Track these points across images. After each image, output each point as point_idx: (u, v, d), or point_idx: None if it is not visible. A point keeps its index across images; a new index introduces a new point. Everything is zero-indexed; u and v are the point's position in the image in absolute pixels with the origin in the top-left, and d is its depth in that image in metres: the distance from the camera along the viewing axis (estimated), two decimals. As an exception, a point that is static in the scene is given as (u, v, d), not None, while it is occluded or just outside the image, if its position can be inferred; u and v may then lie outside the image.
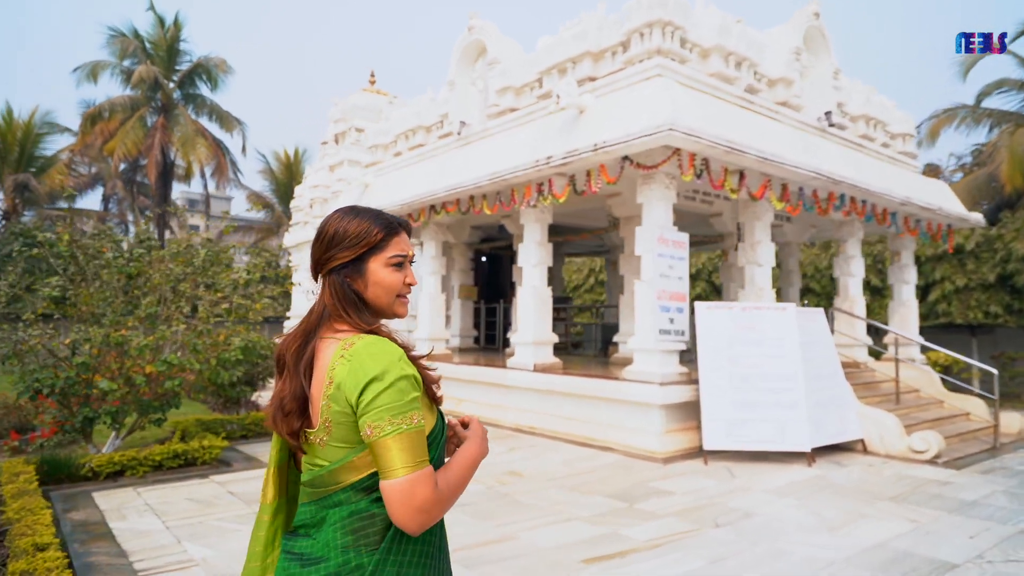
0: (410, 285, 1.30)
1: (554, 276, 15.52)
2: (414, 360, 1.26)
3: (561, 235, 12.59)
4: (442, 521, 1.29)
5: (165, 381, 5.53)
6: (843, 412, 6.96)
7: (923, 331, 14.37)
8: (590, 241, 13.65)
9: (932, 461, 6.49)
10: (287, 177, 25.60)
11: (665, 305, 6.78)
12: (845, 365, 9.31)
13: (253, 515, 4.51)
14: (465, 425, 1.38)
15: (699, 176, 6.65)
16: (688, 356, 7.72)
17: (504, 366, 8.68)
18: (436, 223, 10.64)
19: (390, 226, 1.29)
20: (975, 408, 8.43)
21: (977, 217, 10.50)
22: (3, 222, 19.24)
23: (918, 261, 13.65)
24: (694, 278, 18.26)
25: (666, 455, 6.47)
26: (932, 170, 20.92)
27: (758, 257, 8.03)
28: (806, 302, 11.05)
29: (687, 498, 5.11)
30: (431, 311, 10.46)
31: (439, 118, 10.45)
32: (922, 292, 13.72)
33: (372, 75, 19.57)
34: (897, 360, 8.52)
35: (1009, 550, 4.01)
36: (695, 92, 7.09)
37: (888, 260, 11.11)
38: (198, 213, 44.86)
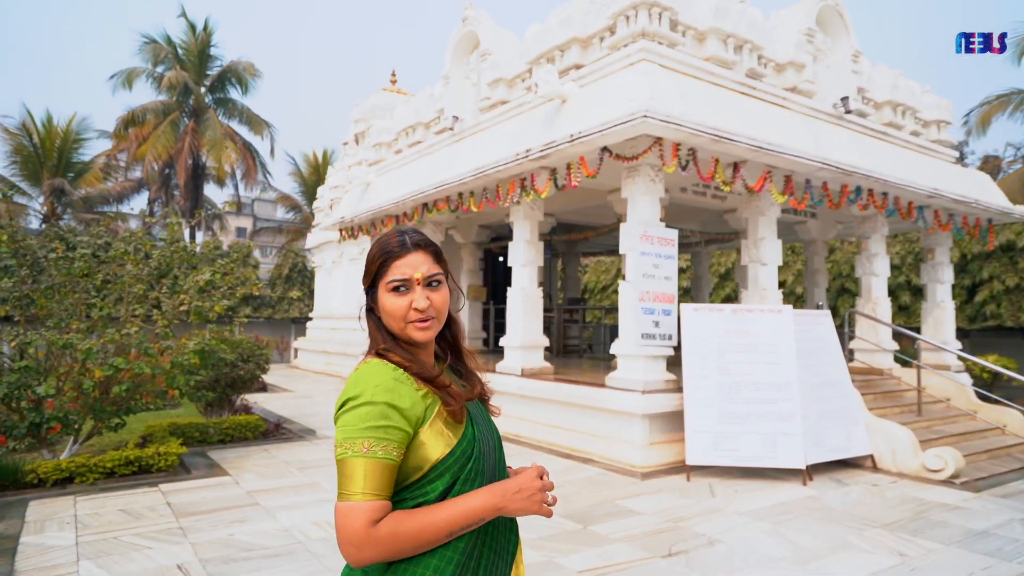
0: (420, 310, 1.22)
1: (568, 276, 15.09)
2: (432, 383, 1.21)
3: (573, 233, 12.16)
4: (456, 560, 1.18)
5: (115, 386, 5.37)
6: (849, 425, 6.32)
7: (970, 334, 13.33)
8: (609, 240, 13.17)
9: (948, 481, 5.81)
10: (315, 179, 25.84)
11: (649, 307, 6.29)
12: (866, 373, 8.62)
13: (179, 530, 4.32)
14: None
15: (684, 167, 6.13)
16: (679, 362, 7.19)
17: (492, 370, 8.30)
18: (434, 222, 10.35)
19: (386, 250, 1.25)
20: (1013, 421, 7.60)
21: (1022, 210, 9.56)
22: (42, 226, 19.94)
23: (964, 259, 12.66)
24: (724, 278, 17.49)
25: (647, 469, 5.98)
26: (991, 161, 19.55)
27: (762, 255, 7.43)
28: (820, 304, 10.30)
29: (651, 520, 4.64)
30: (428, 312, 10.16)
31: (436, 114, 10.17)
32: (968, 292, 12.71)
33: (393, 74, 19.51)
34: (919, 367, 7.78)
35: (1005, 597, 3.42)
36: (684, 77, 6.56)
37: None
38: (243, 216, 46.07)
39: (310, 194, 26.22)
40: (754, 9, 7.66)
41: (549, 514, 1.22)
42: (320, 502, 4.96)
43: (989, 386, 11.17)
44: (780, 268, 15.83)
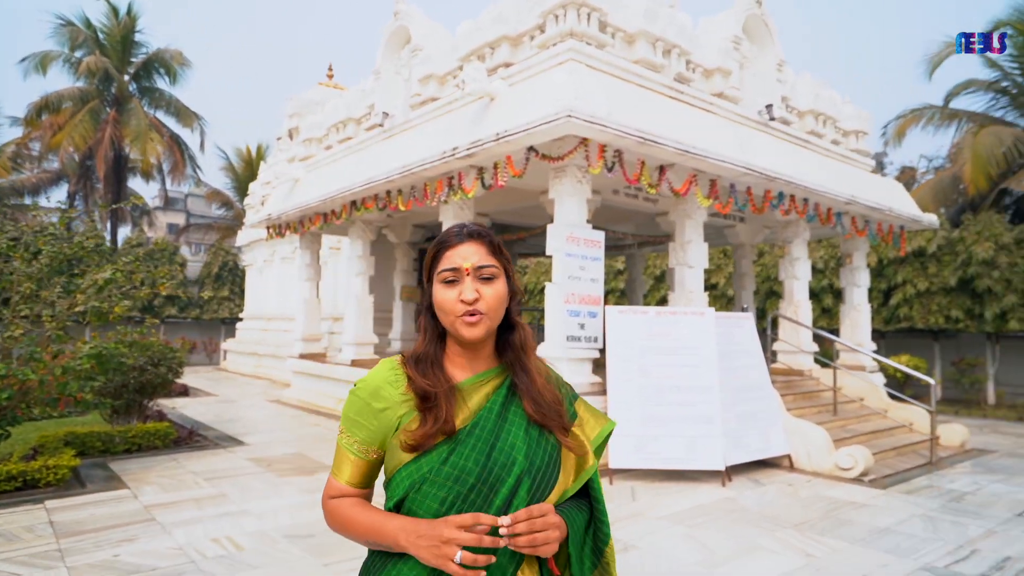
0: (467, 302, 1.14)
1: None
2: (422, 399, 1.15)
3: (508, 233, 12.07)
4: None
5: (-6, 393, 4.92)
6: (768, 426, 6.44)
7: (886, 336, 13.96)
8: (545, 241, 13.15)
9: (858, 479, 5.99)
10: (248, 174, 24.94)
11: (575, 309, 6.24)
12: (787, 374, 8.85)
13: (56, 552, 3.96)
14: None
15: (610, 169, 6.12)
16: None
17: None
18: (364, 220, 10.07)
19: (441, 240, 1.21)
20: (919, 419, 7.95)
21: (931, 218, 10.03)
22: (-58, 218, 18.48)
23: (881, 264, 13.22)
24: (659, 280, 17.77)
25: (570, 473, 5.92)
26: (907, 172, 20.56)
27: (688, 258, 7.52)
28: (746, 307, 10.56)
29: (568, 526, 4.56)
30: (357, 314, 9.88)
31: (367, 109, 9.88)
32: (884, 296, 13.29)
33: (330, 68, 19.04)
34: (835, 368, 8.03)
35: (901, 595, 3.49)
36: (612, 79, 6.55)
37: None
38: (175, 211, 44.07)
39: (243, 190, 25.27)
40: (683, 14, 7.74)
41: (455, 572, 1.03)
42: (224, 516, 4.68)
43: (902, 385, 11.70)
44: (713, 271, 16.21)
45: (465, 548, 1.04)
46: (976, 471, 6.61)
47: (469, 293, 1.14)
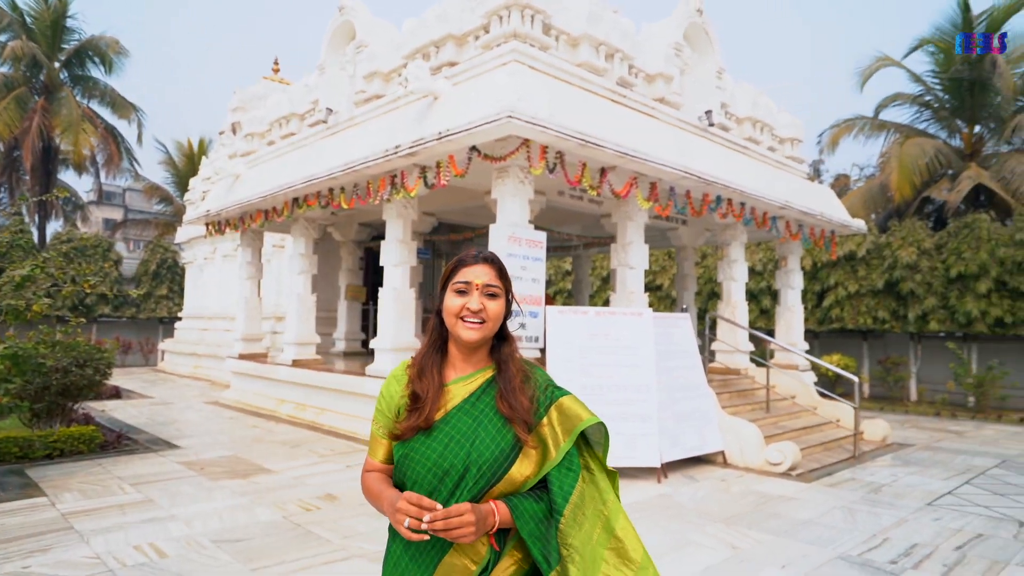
0: (472, 311, 1.40)
1: (452, 277, 14.96)
2: (412, 396, 1.42)
3: (454, 233, 12.04)
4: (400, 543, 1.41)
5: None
6: (704, 424, 6.62)
7: (819, 336, 14.54)
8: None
9: (786, 474, 6.22)
10: (189, 169, 24.11)
11: (515, 309, 6.26)
12: (724, 373, 9.12)
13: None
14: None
15: (552, 171, 6.18)
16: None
17: (363, 374, 8.02)
18: (307, 218, 9.87)
19: (460, 259, 1.47)
20: (845, 415, 8.31)
21: (859, 224, 10.50)
22: None
23: (815, 266, 13.76)
24: (605, 281, 18.04)
25: (510, 472, 5.96)
26: (841, 179, 21.47)
27: (630, 259, 7.66)
28: (686, 307, 10.84)
29: (505, 525, 4.59)
30: (299, 314, 9.68)
31: (311, 105, 9.70)
32: (818, 297, 13.84)
33: (276, 62, 18.57)
34: (768, 368, 8.32)
35: (817, 584, 3.65)
36: (555, 81, 6.62)
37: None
38: (112, 206, 42.21)
39: (183, 185, 24.41)
40: (626, 19, 7.88)
41: (405, 534, 1.27)
42: (150, 522, 4.51)
43: (834, 383, 12.22)
44: (658, 272, 16.56)
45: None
46: (895, 464, 6.96)
47: (475, 304, 1.41)
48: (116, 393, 11.67)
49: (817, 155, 17.81)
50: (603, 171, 6.74)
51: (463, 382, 1.44)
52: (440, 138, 6.04)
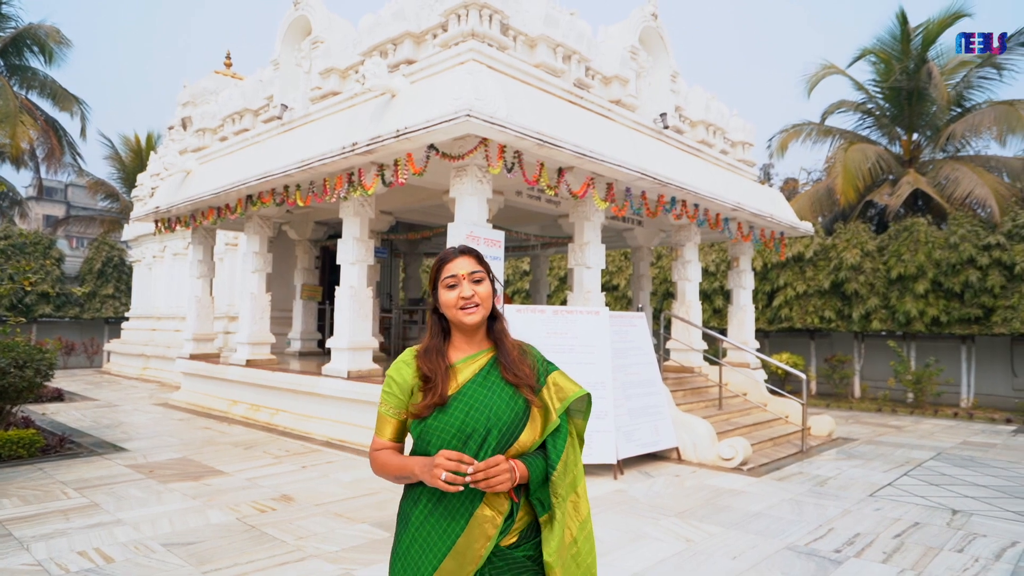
0: (466, 298, 1.58)
1: (410, 276, 14.88)
2: (424, 379, 1.59)
3: (413, 232, 11.97)
4: (413, 513, 1.58)
5: None
6: (658, 421, 6.76)
7: (769, 335, 14.98)
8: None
9: (738, 468, 6.41)
10: (136, 164, 23.29)
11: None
12: (679, 371, 9.32)
13: None
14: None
15: (510, 170, 6.21)
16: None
17: (319, 373, 7.91)
18: (261, 216, 9.68)
19: (441, 257, 1.66)
20: (794, 411, 8.60)
21: (807, 226, 10.87)
22: None
23: (766, 267, 14.17)
24: (564, 280, 18.19)
25: (468, 471, 5.97)
26: (790, 182, 22.17)
27: (587, 259, 7.75)
28: (641, 307, 11.04)
29: (462, 523, 4.60)
30: (252, 313, 9.48)
31: (265, 101, 9.51)
32: (769, 297, 14.26)
33: (228, 56, 18.14)
34: (721, 366, 8.55)
35: (764, 570, 3.78)
36: (513, 81, 6.66)
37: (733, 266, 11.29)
38: (53, 202, 40.42)
39: (130, 181, 23.57)
40: (583, 22, 7.98)
41: (442, 487, 1.43)
42: (95, 527, 4.36)
43: (784, 381, 12.62)
44: (615, 272, 16.79)
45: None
46: (839, 458, 7.25)
47: (467, 291, 1.59)
48: (58, 396, 11.20)
49: (767, 159, 18.36)
50: (561, 171, 6.81)
51: (469, 361, 1.62)
52: (398, 136, 6.01)
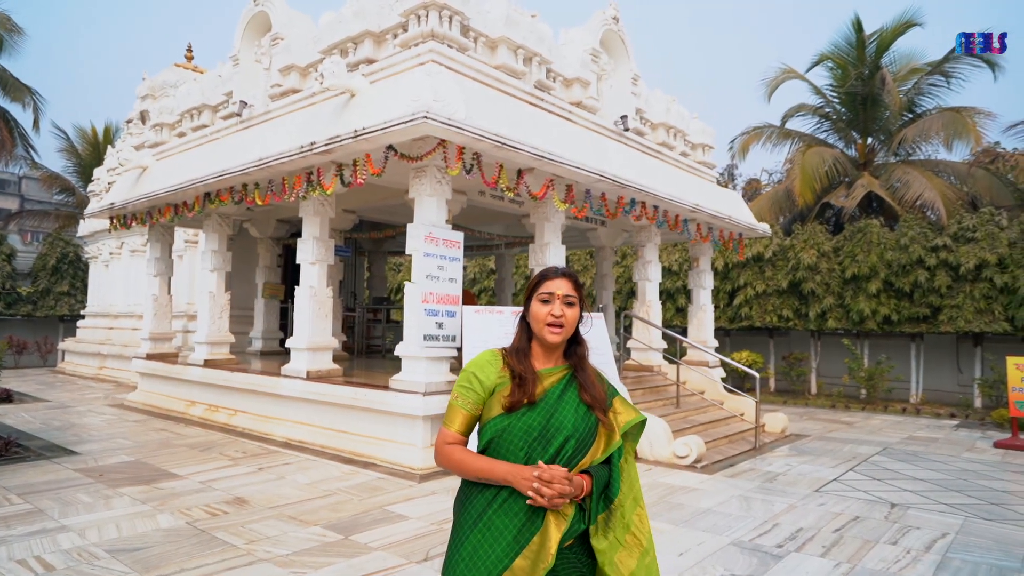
0: (556, 316, 1.70)
1: (374, 275, 14.80)
2: (517, 376, 1.70)
3: (376, 231, 11.91)
4: (472, 507, 1.68)
5: None
6: (615, 418, 6.86)
7: (730, 333, 15.29)
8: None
9: (692, 466, 6.55)
10: (93, 157, 22.64)
11: (433, 308, 6.31)
12: (639, 369, 9.46)
13: None
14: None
15: (469, 171, 6.24)
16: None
17: (279, 374, 7.83)
18: (220, 214, 9.52)
19: (544, 273, 1.79)
20: (749, 409, 8.80)
21: (764, 227, 11.13)
22: None
23: (727, 267, 14.45)
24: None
25: (426, 471, 6.00)
26: (752, 183, 22.60)
27: (547, 259, 7.82)
28: (602, 306, 11.18)
29: (417, 524, 4.63)
30: (211, 312, 9.34)
31: (224, 97, 9.35)
32: (730, 297, 14.55)
33: (189, 49, 17.78)
34: (679, 364, 8.71)
35: (708, 567, 3.89)
36: (472, 82, 6.69)
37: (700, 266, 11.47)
38: (6, 195, 39.08)
39: (87, 175, 22.92)
40: (544, 24, 8.04)
41: (535, 501, 1.56)
42: (37, 534, 4.27)
43: (742, 379, 12.90)
44: (580, 272, 16.93)
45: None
46: (791, 454, 7.46)
47: (558, 311, 1.71)
48: (7, 397, 10.87)
49: (729, 160, 18.69)
50: (520, 173, 6.86)
51: (549, 372, 1.74)
52: (356, 136, 5.99)
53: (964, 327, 11.41)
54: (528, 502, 1.57)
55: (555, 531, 1.60)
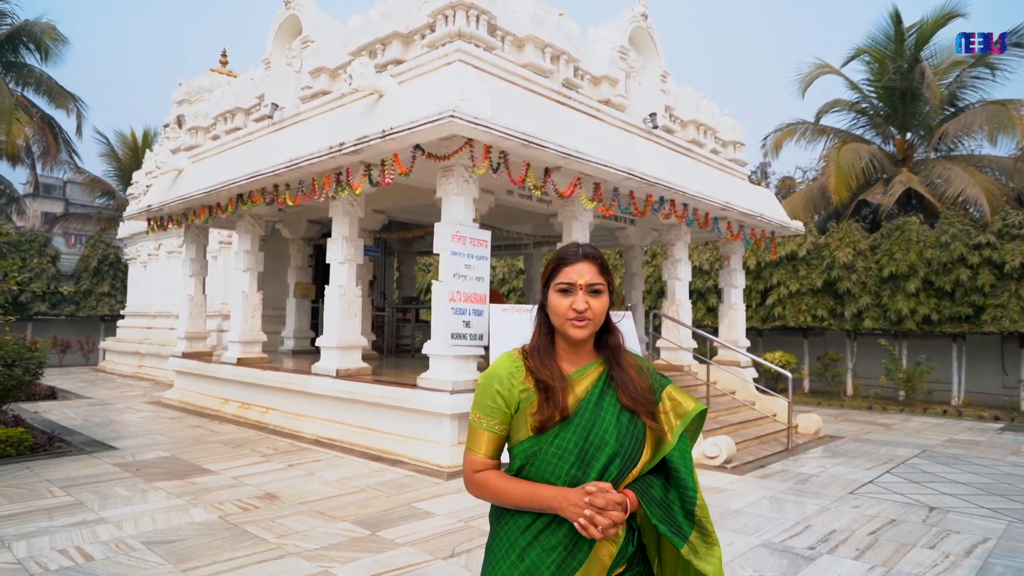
0: (579, 311, 1.40)
1: (404, 275, 14.92)
2: (542, 387, 1.41)
3: (405, 231, 12.01)
4: (508, 530, 1.44)
5: None
6: (644, 418, 6.79)
7: (763, 333, 15.02)
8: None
9: (722, 467, 6.45)
10: (132, 161, 23.30)
11: (460, 307, 6.33)
12: (667, 369, 9.34)
13: None
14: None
15: (496, 170, 6.25)
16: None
17: (309, 372, 7.95)
18: (252, 215, 9.71)
19: (561, 256, 1.47)
20: (781, 410, 8.63)
21: (797, 225, 10.91)
22: None
23: (759, 266, 14.20)
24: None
25: (453, 469, 6.02)
26: (786, 181, 22.17)
27: (575, 258, 7.77)
28: (630, 305, 11.08)
29: (443, 521, 4.65)
30: (244, 311, 9.52)
31: (256, 100, 9.54)
32: (762, 296, 14.30)
33: (224, 54, 18.19)
34: (708, 364, 8.58)
35: (737, 568, 3.82)
36: (499, 81, 6.69)
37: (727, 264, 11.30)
38: (51, 199, 40.46)
39: (126, 178, 23.59)
40: (572, 23, 8.00)
41: (586, 532, 1.31)
42: (78, 525, 4.40)
43: (775, 379, 12.65)
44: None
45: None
46: (824, 455, 7.29)
47: (581, 304, 1.41)
48: (51, 394, 11.25)
49: (762, 158, 18.37)
50: (547, 171, 6.84)
51: (580, 375, 1.46)
52: (384, 136, 6.04)
53: (1009, 327, 11.01)
54: (590, 534, 1.31)
55: (601, 563, 1.38)
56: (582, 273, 1.44)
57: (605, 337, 1.51)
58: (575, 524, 1.31)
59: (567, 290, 1.43)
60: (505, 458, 1.49)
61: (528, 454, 1.41)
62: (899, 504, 5.32)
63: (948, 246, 11.75)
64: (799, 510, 5.07)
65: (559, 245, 7.89)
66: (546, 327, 1.50)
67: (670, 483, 1.44)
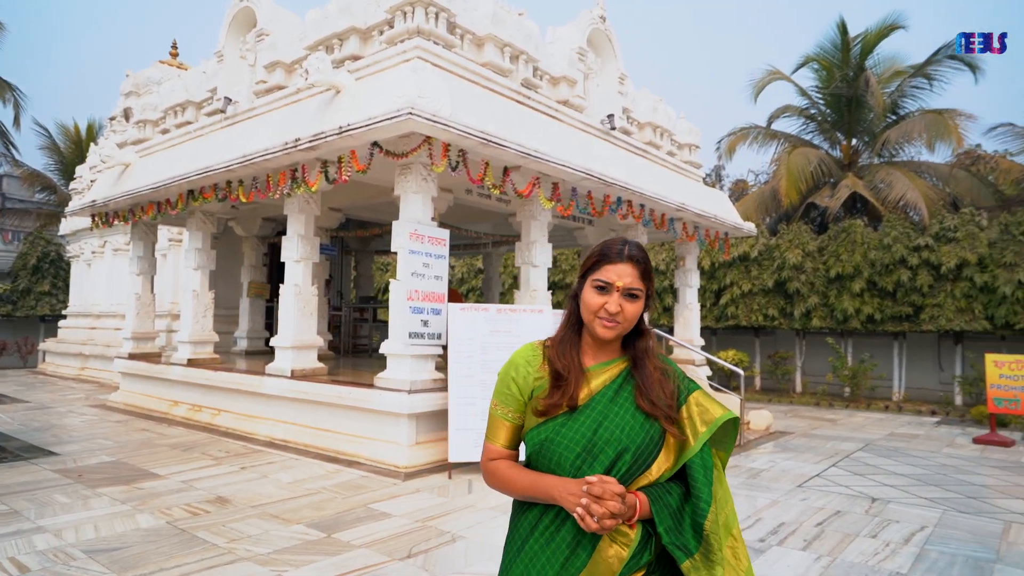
0: (612, 313, 1.37)
1: (361, 274, 14.74)
2: (554, 375, 1.42)
3: (362, 229, 11.86)
4: (526, 527, 1.41)
5: None
6: (601, 416, 6.87)
7: (717, 332, 15.37)
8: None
9: (677, 463, 6.57)
10: (76, 155, 22.37)
11: (418, 306, 6.28)
12: (625, 367, 9.47)
13: None
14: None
15: (455, 168, 6.23)
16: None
17: (263, 372, 7.77)
18: (204, 211, 9.43)
19: (605, 252, 1.43)
20: (735, 407, 8.83)
21: (750, 226, 11.20)
22: None
23: (714, 266, 14.53)
24: (517, 278, 18.28)
25: (411, 469, 5.97)
26: (740, 184, 22.75)
27: (533, 257, 7.82)
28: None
29: (400, 522, 4.61)
30: (195, 311, 9.24)
31: (209, 93, 9.27)
32: (716, 296, 14.63)
33: (175, 46, 17.60)
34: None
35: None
36: (459, 79, 6.67)
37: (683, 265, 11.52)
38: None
39: (69, 173, 22.64)
40: (531, 23, 8.03)
41: (583, 522, 1.26)
42: (12, 535, 4.20)
43: (729, 377, 12.97)
44: (569, 271, 16.96)
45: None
46: (774, 451, 7.51)
47: (614, 307, 1.39)
48: (-15, 398, 10.71)
49: (717, 160, 18.79)
50: (506, 171, 6.85)
51: (600, 369, 1.44)
52: (341, 133, 5.95)
53: (945, 326, 11.54)
54: (591, 528, 1.26)
55: (607, 564, 1.32)
56: (622, 275, 1.39)
57: (635, 338, 1.48)
58: (574, 515, 1.28)
59: (603, 288, 1.40)
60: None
61: (537, 442, 1.40)
62: (844, 496, 5.52)
63: (890, 248, 12.24)
64: (751, 504, 5.21)
65: (517, 244, 7.95)
66: (575, 317, 1.48)
67: (689, 493, 1.38)
